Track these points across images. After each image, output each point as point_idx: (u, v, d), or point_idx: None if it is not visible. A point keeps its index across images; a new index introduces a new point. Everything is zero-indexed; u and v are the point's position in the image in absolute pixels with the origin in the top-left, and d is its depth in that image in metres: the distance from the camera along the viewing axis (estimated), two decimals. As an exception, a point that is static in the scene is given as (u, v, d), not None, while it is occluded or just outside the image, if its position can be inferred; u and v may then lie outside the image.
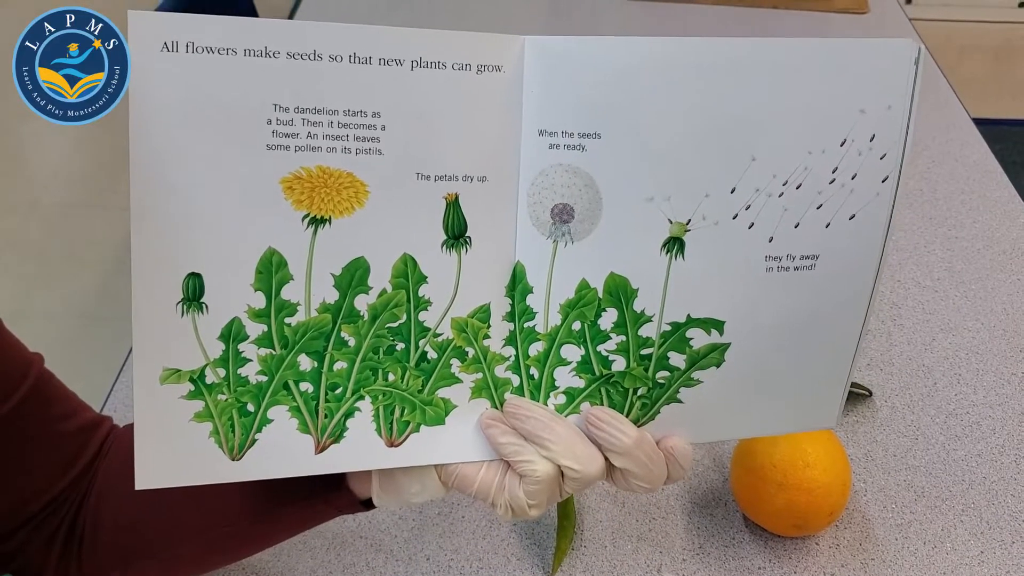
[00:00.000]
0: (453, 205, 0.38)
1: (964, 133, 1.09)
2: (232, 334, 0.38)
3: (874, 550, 0.63)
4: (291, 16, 1.31)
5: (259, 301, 0.37)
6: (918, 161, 1.03)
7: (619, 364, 0.40)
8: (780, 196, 0.38)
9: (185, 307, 0.37)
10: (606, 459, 0.40)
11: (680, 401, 0.41)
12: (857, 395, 0.74)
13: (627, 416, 0.40)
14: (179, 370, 0.37)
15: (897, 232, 0.93)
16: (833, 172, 0.37)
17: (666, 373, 0.40)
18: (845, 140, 0.37)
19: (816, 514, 0.60)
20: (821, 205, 0.38)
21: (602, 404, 0.40)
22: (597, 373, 0.40)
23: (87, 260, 1.97)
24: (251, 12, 1.44)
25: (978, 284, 0.86)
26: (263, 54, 0.35)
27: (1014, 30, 2.95)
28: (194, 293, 0.37)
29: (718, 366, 0.40)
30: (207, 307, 0.37)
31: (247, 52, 0.34)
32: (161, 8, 1.17)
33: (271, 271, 0.37)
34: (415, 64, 0.36)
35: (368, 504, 0.45)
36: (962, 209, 0.96)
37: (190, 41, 0.34)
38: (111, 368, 0.79)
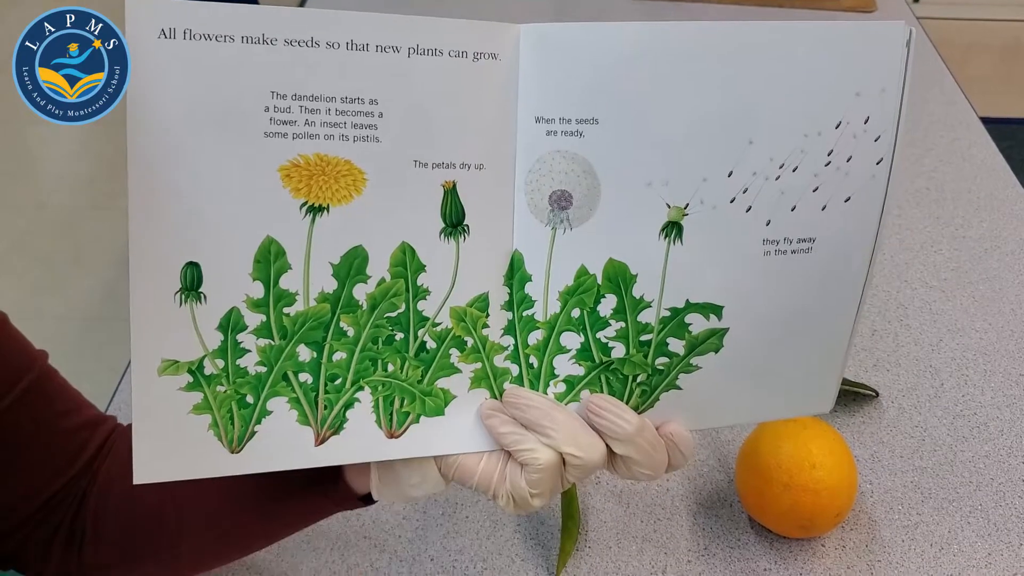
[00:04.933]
0: (451, 193, 0.38)
1: (971, 132, 1.08)
2: (231, 324, 0.37)
3: (881, 552, 0.63)
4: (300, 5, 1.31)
5: (257, 291, 0.37)
6: (925, 160, 1.03)
7: (618, 351, 0.40)
8: (777, 179, 0.38)
9: (183, 297, 0.37)
10: (607, 447, 0.39)
11: (679, 388, 0.41)
12: (864, 396, 0.74)
13: (627, 403, 0.40)
14: (177, 361, 0.37)
15: (904, 231, 0.93)
16: (829, 155, 0.38)
17: (665, 359, 0.40)
18: (840, 123, 0.37)
19: (822, 515, 0.60)
20: (817, 188, 0.38)
21: (602, 392, 0.40)
22: (597, 360, 0.40)
23: (92, 262, 1.98)
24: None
25: (985, 284, 0.86)
26: (261, 41, 0.35)
27: (1022, 28, 2.94)
28: (192, 283, 0.37)
29: (716, 352, 0.40)
30: (205, 297, 0.37)
31: (245, 39, 0.34)
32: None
33: (269, 260, 0.37)
34: (412, 51, 0.36)
35: (367, 500, 0.45)
36: (969, 208, 0.96)
37: (188, 28, 0.34)
38: (116, 369, 0.79)
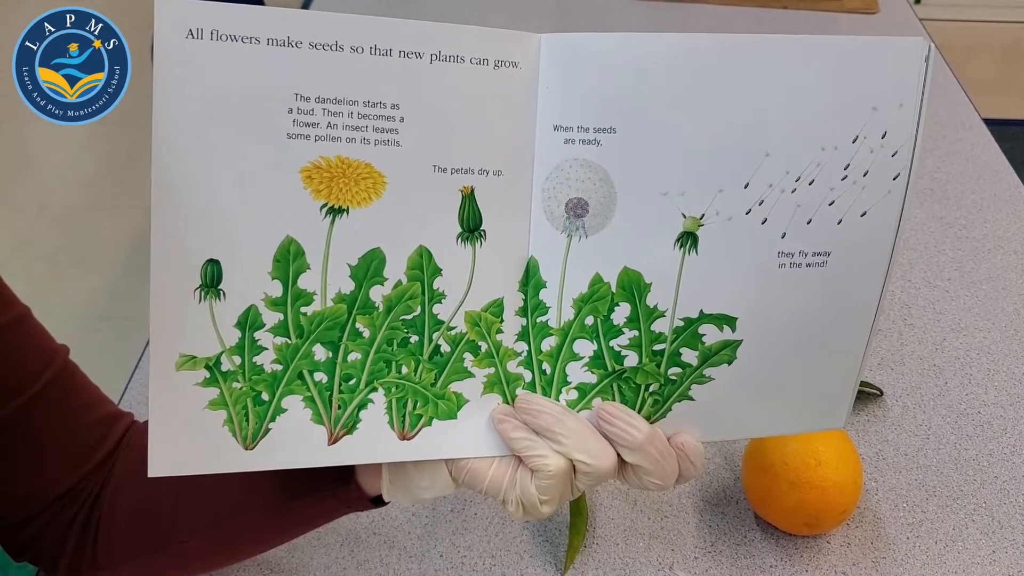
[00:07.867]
0: (469, 198, 0.39)
1: (974, 133, 1.08)
2: (248, 322, 0.38)
3: (885, 549, 0.63)
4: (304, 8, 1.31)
5: (276, 289, 0.38)
6: (928, 161, 1.03)
7: (631, 360, 0.40)
8: (793, 192, 0.38)
9: (203, 293, 0.37)
10: (618, 456, 0.40)
11: (692, 398, 0.41)
12: (868, 394, 0.74)
13: (639, 413, 0.41)
14: (195, 357, 0.38)
15: (907, 231, 0.93)
16: (845, 169, 0.38)
17: (678, 369, 0.40)
18: (857, 137, 0.37)
19: (828, 513, 0.60)
20: (833, 202, 0.38)
21: (614, 400, 0.41)
22: (609, 368, 0.40)
23: (96, 261, 1.98)
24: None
25: (988, 284, 0.86)
26: (286, 43, 0.35)
27: None
28: (212, 279, 0.37)
29: (730, 363, 0.40)
30: (224, 294, 0.37)
31: (270, 41, 0.35)
32: None
33: (288, 260, 0.38)
34: (434, 57, 0.37)
35: (377, 502, 0.45)
36: (972, 209, 0.96)
37: (215, 28, 0.34)
38: (124, 368, 0.79)
